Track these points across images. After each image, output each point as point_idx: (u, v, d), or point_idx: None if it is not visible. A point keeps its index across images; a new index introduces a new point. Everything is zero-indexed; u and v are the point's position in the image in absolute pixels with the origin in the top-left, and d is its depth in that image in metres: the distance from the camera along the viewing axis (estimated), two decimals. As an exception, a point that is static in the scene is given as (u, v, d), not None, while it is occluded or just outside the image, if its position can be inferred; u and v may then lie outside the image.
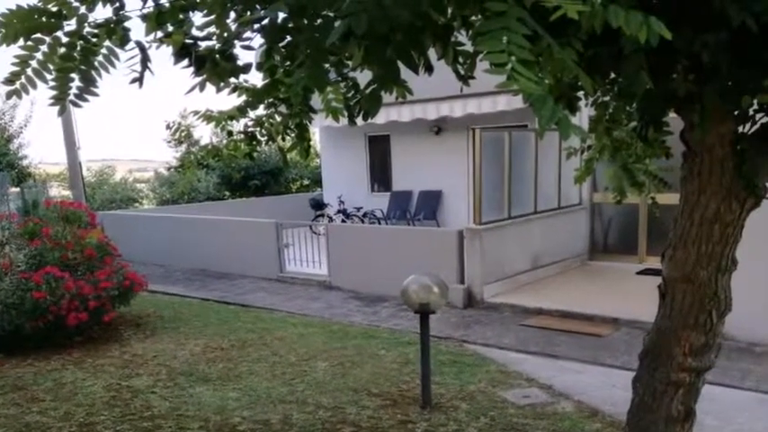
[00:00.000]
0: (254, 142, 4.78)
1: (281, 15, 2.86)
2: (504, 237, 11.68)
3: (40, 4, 3.22)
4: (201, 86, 3.52)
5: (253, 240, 14.79)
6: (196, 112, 4.78)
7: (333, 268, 13.23)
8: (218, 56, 3.36)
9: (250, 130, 4.71)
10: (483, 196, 11.20)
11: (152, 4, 3.33)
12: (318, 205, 19.83)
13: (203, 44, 3.39)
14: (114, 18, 3.35)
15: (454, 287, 10.73)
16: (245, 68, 3.51)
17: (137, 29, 3.42)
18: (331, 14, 2.67)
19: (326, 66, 3.16)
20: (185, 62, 3.43)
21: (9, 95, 3.29)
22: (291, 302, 12.12)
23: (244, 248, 14.89)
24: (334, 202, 19.56)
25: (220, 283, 14.37)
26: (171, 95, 24.62)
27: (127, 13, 3.36)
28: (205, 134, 38.12)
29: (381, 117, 14.95)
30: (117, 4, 3.36)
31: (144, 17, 3.35)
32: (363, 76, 3.43)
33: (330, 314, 11.06)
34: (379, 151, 19.39)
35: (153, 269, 15.58)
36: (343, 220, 18.52)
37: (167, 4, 3.31)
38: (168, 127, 20.77)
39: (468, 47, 2.99)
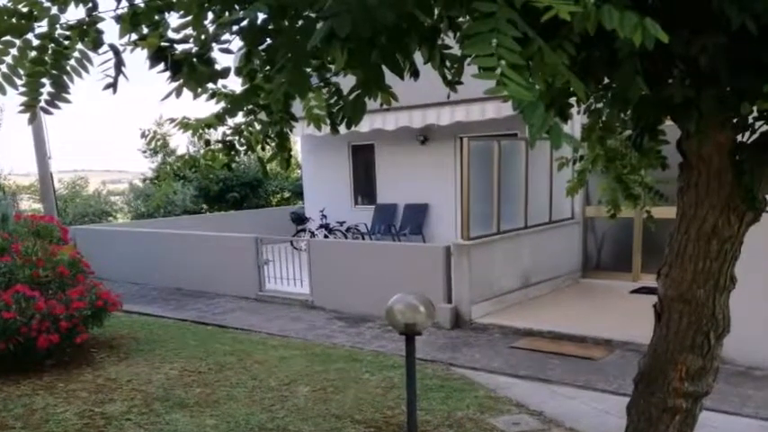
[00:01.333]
0: (233, 152, 4.75)
1: (261, 16, 2.85)
2: (494, 253, 11.69)
3: (9, 5, 3.21)
4: (178, 92, 3.50)
5: (231, 257, 14.74)
6: (172, 120, 4.76)
7: (315, 286, 13.19)
8: (195, 59, 3.34)
9: (228, 138, 4.69)
10: (471, 210, 11.18)
11: (126, 4, 3.32)
12: (300, 219, 19.78)
13: (180, 47, 3.37)
14: (87, 19, 3.34)
15: (441, 307, 10.71)
16: (224, 73, 3.50)
17: (110, 31, 3.41)
18: (313, 15, 2.67)
19: (308, 70, 3.14)
20: (161, 66, 3.41)
21: (-23, 103, 3.26)
22: (271, 323, 12.07)
23: (222, 265, 14.83)
24: (316, 216, 19.50)
25: (197, 302, 14.30)
26: (146, 102, 24.51)
27: (100, 14, 3.35)
28: (182, 143, 37.92)
29: (365, 125, 14.95)
30: (90, 5, 3.34)
31: (118, 18, 3.33)
32: (347, 82, 3.42)
33: (312, 335, 11.02)
34: (363, 162, 19.39)
35: (127, 288, 15.50)
36: (325, 236, 18.48)
37: (142, 5, 3.30)
38: (143, 135, 20.52)
39: (456, 50, 2.98)
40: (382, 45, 2.64)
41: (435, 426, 6.84)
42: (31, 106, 3.30)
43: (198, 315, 12.99)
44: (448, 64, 3.38)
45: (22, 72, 3.26)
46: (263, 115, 4.35)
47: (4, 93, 3.24)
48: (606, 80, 3.45)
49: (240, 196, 25.75)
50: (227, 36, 3.17)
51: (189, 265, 15.58)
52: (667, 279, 4.03)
